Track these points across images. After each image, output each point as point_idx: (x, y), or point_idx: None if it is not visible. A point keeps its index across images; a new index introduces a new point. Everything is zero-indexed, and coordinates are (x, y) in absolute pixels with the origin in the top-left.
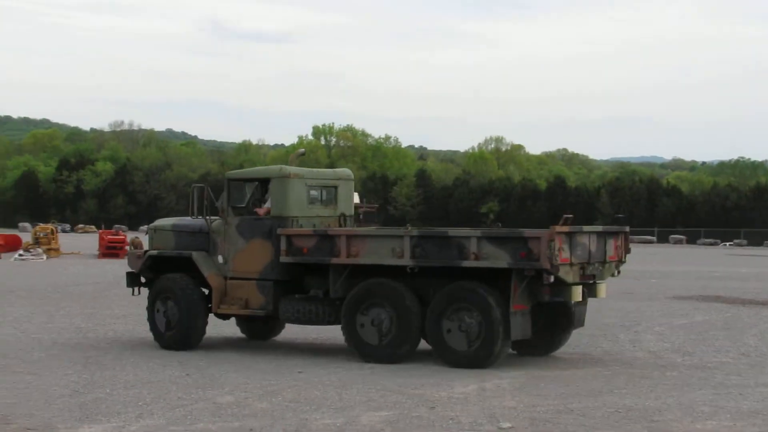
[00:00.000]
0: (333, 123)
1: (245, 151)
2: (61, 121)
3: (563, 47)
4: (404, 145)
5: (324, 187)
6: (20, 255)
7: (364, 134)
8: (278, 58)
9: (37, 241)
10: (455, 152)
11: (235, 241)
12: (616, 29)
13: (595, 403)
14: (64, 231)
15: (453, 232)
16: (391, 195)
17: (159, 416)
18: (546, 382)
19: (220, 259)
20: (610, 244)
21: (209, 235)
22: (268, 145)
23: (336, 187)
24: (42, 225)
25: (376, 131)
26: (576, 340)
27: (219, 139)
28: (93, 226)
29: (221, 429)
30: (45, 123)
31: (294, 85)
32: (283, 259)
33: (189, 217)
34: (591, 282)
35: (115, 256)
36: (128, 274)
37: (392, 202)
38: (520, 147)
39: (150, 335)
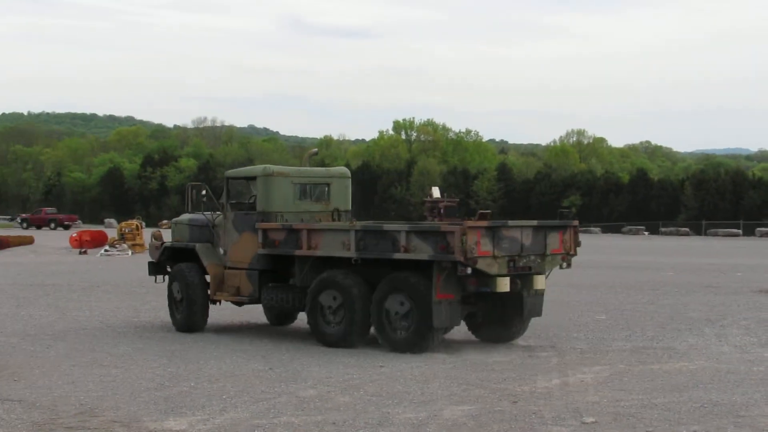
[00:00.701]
0: (413, 117)
1: (326, 146)
2: (145, 119)
3: (645, 39)
4: (485, 139)
5: (313, 184)
6: (106, 251)
7: (445, 128)
8: (359, 53)
9: (122, 237)
10: (536, 146)
11: (231, 235)
12: (701, 20)
13: (680, 398)
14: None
15: (387, 226)
16: (472, 189)
17: (243, 409)
18: (630, 377)
19: (221, 250)
20: (553, 238)
21: (214, 228)
22: (349, 140)
23: (328, 185)
24: (127, 221)
25: (457, 125)
26: (660, 334)
27: (300, 135)
28: None
29: (304, 422)
30: (130, 120)
31: (375, 80)
32: (260, 251)
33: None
34: (527, 273)
35: None
36: (149, 263)
37: (473, 196)
38: (602, 140)
39: (237, 331)
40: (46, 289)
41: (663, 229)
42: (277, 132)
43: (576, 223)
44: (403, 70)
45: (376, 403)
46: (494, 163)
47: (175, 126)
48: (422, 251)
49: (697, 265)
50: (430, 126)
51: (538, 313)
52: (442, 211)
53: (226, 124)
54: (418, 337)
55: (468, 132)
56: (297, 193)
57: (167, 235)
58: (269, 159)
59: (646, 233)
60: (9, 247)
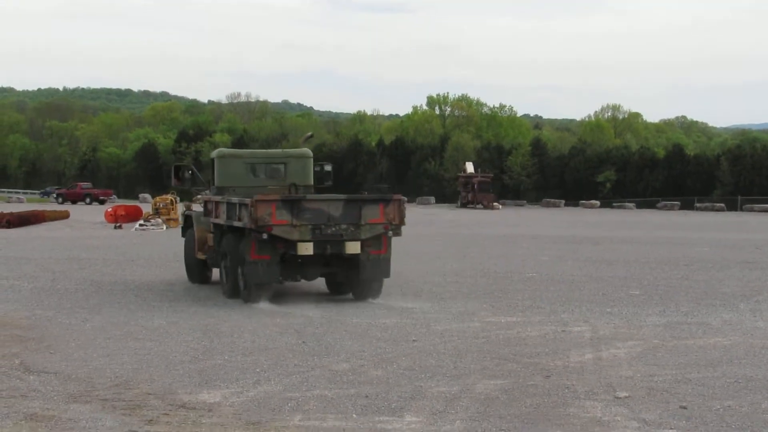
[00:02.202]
0: (448, 93)
1: (360, 121)
2: (179, 94)
3: (681, 13)
4: (519, 114)
5: (268, 164)
6: (141, 225)
7: (479, 104)
8: (394, 29)
9: (157, 212)
10: (571, 121)
11: None
12: None
13: (714, 374)
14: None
15: (234, 199)
16: (506, 164)
17: (276, 383)
18: (663, 352)
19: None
20: (371, 209)
21: None
22: (382, 116)
23: (285, 164)
24: (162, 196)
25: (491, 100)
26: (695, 309)
27: (334, 110)
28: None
29: (336, 395)
30: (164, 96)
31: (409, 56)
32: (204, 218)
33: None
34: (339, 240)
35: None
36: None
37: (507, 171)
38: (637, 115)
39: (271, 306)
40: (82, 263)
41: (698, 205)
42: (311, 107)
43: (398, 197)
44: (438, 45)
45: (409, 377)
46: (528, 139)
47: (209, 101)
48: (243, 219)
49: (732, 241)
50: (464, 101)
51: (384, 275)
52: (475, 186)
53: (260, 99)
54: (246, 291)
55: (502, 107)
56: (248, 172)
57: (199, 208)
58: (303, 134)
59: (680, 209)
60: (45, 221)
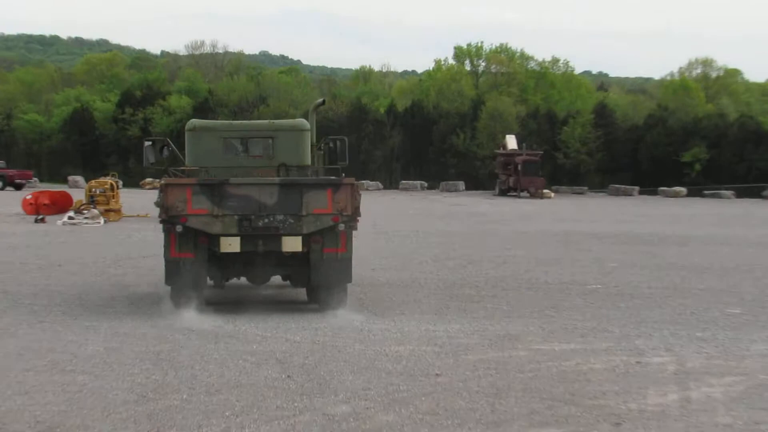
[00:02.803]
0: (482, 42)
1: (364, 79)
2: (123, 43)
3: None
4: (578, 71)
5: (249, 138)
6: (70, 218)
7: (524, 57)
8: None
9: (92, 201)
10: (647, 80)
11: None
12: None
13: None
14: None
15: (163, 182)
16: (560, 138)
17: (251, 430)
18: None
19: None
20: (315, 197)
21: None
22: (394, 72)
23: (272, 138)
24: (98, 179)
25: (541, 53)
26: None
27: (329, 65)
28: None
29: None
30: (102, 45)
31: None
32: None
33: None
34: (274, 235)
35: None
36: None
37: (562, 147)
38: (736, 72)
39: (246, 325)
40: None
41: None
42: (299, 61)
43: (349, 181)
44: None
45: (431, 424)
46: (590, 104)
47: (162, 53)
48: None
49: None
50: (503, 53)
51: (344, 279)
52: (519, 167)
53: (231, 50)
54: (171, 294)
55: (555, 61)
56: (226, 148)
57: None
58: (288, 96)
59: None
60: None
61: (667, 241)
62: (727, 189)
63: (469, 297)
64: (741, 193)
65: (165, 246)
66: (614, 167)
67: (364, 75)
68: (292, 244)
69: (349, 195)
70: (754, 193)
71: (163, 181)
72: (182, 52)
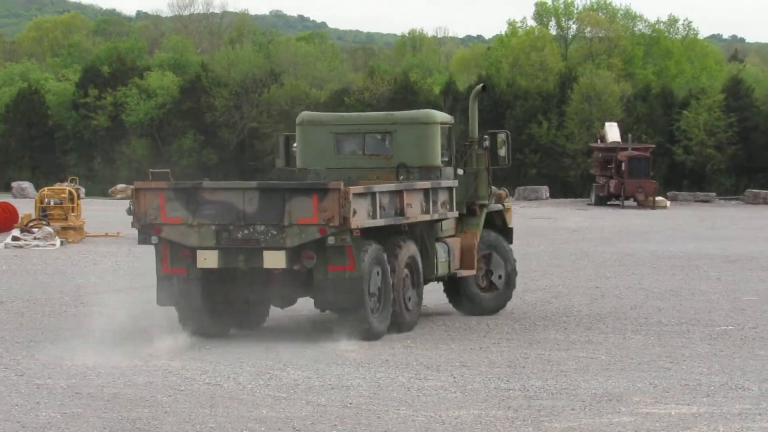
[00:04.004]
0: None
1: (412, 48)
2: (85, 1)
3: None
4: (703, 35)
5: (364, 133)
6: (15, 239)
7: (630, 16)
8: None
9: (44, 215)
10: None
11: None
12: None
13: None
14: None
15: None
16: (678, 125)
17: None
18: None
19: None
20: (300, 204)
21: None
22: (454, 39)
23: (390, 133)
24: (53, 187)
25: (652, 12)
26: None
27: (364, 29)
28: None
29: None
30: (57, 4)
31: None
32: None
33: None
34: (254, 248)
35: None
36: None
37: (680, 138)
38: None
39: (253, 381)
40: None
41: None
42: (324, 23)
43: (336, 185)
44: None
45: None
46: (720, 80)
47: (139, 14)
48: None
49: None
50: (602, 11)
51: (355, 302)
52: (623, 166)
53: (232, 9)
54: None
55: (673, 22)
56: (337, 146)
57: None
58: (310, 72)
59: None
60: None
61: None
62: None
63: (554, 343)
64: None
65: (156, 260)
66: (753, 166)
67: (412, 42)
68: (275, 259)
69: (336, 202)
70: None
71: (135, 185)
72: (165, 12)
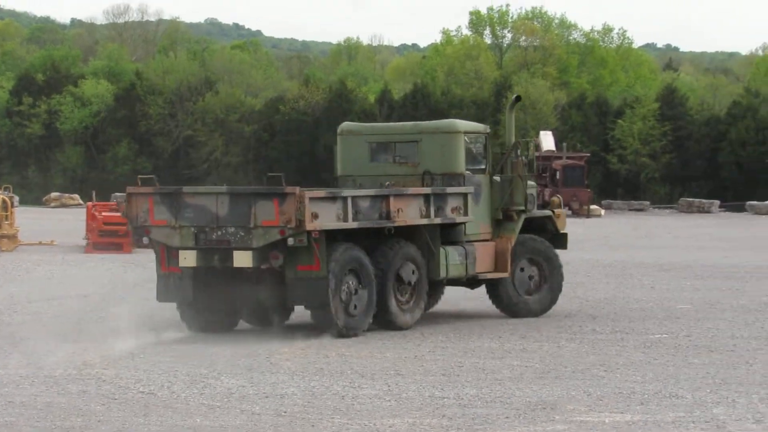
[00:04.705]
0: (507, 5)
1: (348, 57)
2: (19, 8)
3: None
4: (637, 44)
5: (394, 142)
6: None
7: (564, 25)
8: None
9: None
10: (731, 56)
11: None
12: None
13: None
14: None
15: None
16: (613, 134)
17: None
18: None
19: None
20: (263, 208)
21: None
22: (388, 47)
23: (416, 142)
24: None
25: (586, 20)
26: None
27: (300, 38)
28: (76, 196)
29: None
30: None
31: None
32: None
33: None
34: (226, 249)
35: (117, 248)
36: None
37: (615, 147)
38: None
39: (187, 390)
40: None
41: None
42: (259, 32)
43: (293, 190)
44: None
45: None
46: (654, 89)
47: (74, 21)
48: None
49: None
50: (537, 20)
51: (321, 302)
52: (557, 174)
53: (167, 17)
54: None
55: (607, 31)
56: (371, 154)
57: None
58: (245, 80)
59: None
60: None
61: (759, 275)
62: None
63: (489, 351)
64: None
65: (156, 260)
66: (687, 174)
67: (348, 51)
68: (243, 259)
69: (295, 206)
70: None
71: (128, 190)
72: (100, 20)
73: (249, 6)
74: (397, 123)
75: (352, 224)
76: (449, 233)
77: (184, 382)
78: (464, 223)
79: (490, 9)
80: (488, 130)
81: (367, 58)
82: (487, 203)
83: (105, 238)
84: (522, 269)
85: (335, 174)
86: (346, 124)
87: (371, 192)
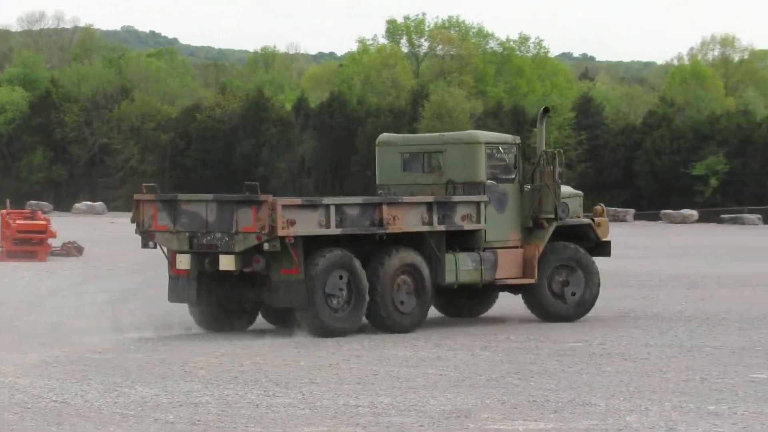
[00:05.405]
0: (424, 14)
1: (264, 65)
2: None
3: None
4: (554, 54)
5: (423, 153)
6: None
7: (481, 35)
8: None
9: None
10: (646, 66)
11: None
12: None
13: None
14: None
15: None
16: (530, 144)
17: None
18: None
19: None
20: (243, 215)
21: None
22: (305, 55)
23: (442, 152)
24: None
25: (502, 29)
26: None
27: (217, 45)
28: None
29: None
30: None
31: None
32: None
33: None
34: (214, 253)
35: (32, 256)
36: None
37: (531, 156)
38: (765, 55)
39: (101, 398)
40: None
41: None
42: (176, 40)
43: (266, 197)
44: None
45: None
46: (570, 98)
47: None
48: None
49: None
50: (454, 29)
51: (300, 303)
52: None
53: (83, 25)
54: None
55: (523, 41)
56: (403, 164)
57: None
58: (160, 87)
59: None
60: None
61: (671, 283)
62: (752, 212)
63: (404, 360)
64: None
65: (168, 262)
66: (602, 183)
67: (264, 59)
68: (227, 262)
69: (269, 213)
70: None
71: (135, 197)
72: (15, 27)
73: (165, 14)
74: (427, 134)
75: (335, 231)
76: (465, 240)
77: (97, 391)
78: (481, 230)
79: (407, 18)
80: (518, 141)
81: (284, 66)
82: (517, 211)
83: (19, 246)
84: (556, 275)
85: (377, 183)
86: (383, 136)
87: (359, 200)
